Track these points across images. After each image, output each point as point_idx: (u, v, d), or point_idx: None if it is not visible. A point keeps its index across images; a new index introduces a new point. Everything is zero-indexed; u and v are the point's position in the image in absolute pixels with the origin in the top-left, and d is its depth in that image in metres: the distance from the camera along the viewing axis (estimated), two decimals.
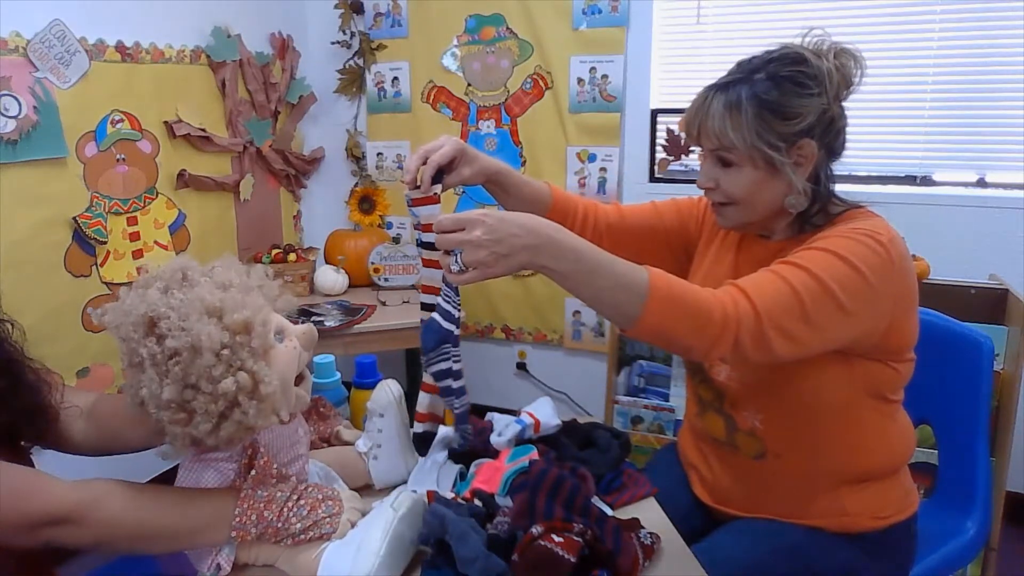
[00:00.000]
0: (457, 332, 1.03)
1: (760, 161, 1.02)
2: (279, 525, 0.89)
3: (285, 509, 0.90)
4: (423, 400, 1.11)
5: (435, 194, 1.05)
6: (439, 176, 1.07)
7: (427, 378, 1.10)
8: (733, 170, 1.05)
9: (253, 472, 0.91)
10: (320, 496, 0.93)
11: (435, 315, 1.02)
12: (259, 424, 0.88)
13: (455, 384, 1.04)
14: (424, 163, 1.06)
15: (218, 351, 0.84)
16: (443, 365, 1.03)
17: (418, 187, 1.05)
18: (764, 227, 1.13)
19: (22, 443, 1.00)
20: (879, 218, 1.05)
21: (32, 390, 0.98)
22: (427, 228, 1.03)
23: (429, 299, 1.07)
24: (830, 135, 1.04)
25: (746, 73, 1.03)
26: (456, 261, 0.89)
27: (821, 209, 1.07)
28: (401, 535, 0.87)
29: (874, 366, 1.05)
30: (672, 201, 1.32)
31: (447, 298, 1.01)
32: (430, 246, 1.02)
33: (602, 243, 1.28)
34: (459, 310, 1.03)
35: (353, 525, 0.92)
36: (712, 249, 1.24)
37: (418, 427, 1.12)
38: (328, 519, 0.91)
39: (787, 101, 1.00)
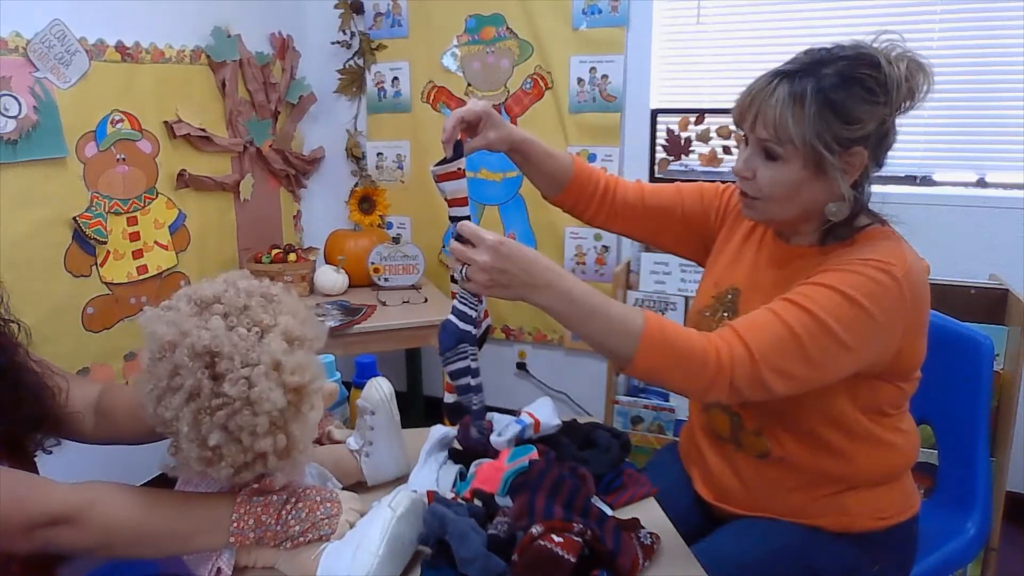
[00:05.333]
0: (475, 332, 1.04)
1: (810, 160, 0.97)
2: (277, 528, 0.89)
3: (283, 512, 0.90)
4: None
5: (460, 169, 1.06)
6: (460, 148, 1.08)
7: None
8: (777, 164, 1.00)
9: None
10: (318, 498, 0.93)
11: (451, 317, 1.03)
12: (276, 477, 0.89)
13: (473, 382, 1.05)
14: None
15: (273, 411, 0.83)
16: (460, 364, 1.04)
17: (442, 162, 1.07)
18: (790, 227, 1.10)
19: (28, 447, 1.00)
20: (899, 242, 1.02)
21: (35, 396, 0.98)
22: (454, 203, 1.07)
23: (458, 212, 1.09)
24: (880, 148, 1.01)
25: (815, 64, 0.97)
26: (460, 272, 0.94)
27: (847, 221, 1.03)
28: (400, 535, 0.87)
29: (880, 385, 1.05)
30: (697, 186, 1.29)
31: (463, 300, 1.03)
32: (464, 219, 1.05)
33: (616, 220, 1.29)
34: (474, 309, 1.04)
35: (351, 525, 0.92)
36: (732, 245, 1.22)
37: (448, 397, 1.11)
38: (327, 520, 0.91)
39: (852, 105, 0.95)
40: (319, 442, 1.15)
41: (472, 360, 1.05)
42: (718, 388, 0.93)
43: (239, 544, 0.89)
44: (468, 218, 1.06)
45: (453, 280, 1.03)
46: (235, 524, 0.88)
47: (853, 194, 1.01)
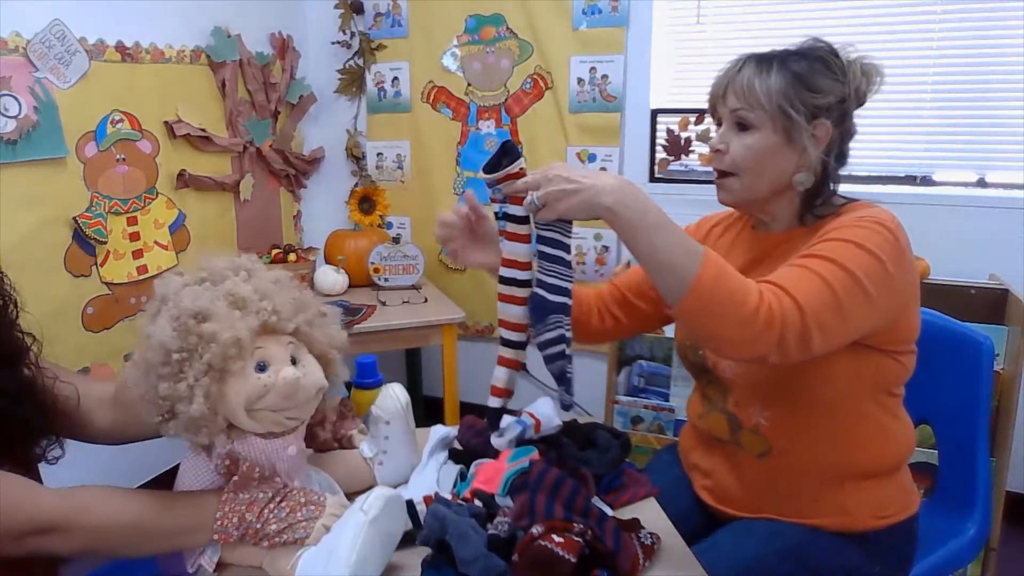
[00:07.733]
0: (569, 303, 1.01)
1: (780, 125, 1.04)
2: (258, 526, 0.88)
3: (266, 510, 0.89)
4: (503, 375, 1.09)
5: (522, 169, 1.02)
6: (513, 146, 1.04)
7: (509, 352, 1.09)
8: (749, 134, 1.06)
9: (235, 478, 0.90)
10: (303, 499, 0.92)
11: (537, 290, 1.01)
12: (188, 436, 0.88)
13: (568, 350, 1.03)
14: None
15: (168, 351, 0.85)
16: (553, 333, 1.02)
17: (493, 167, 1.02)
18: (764, 210, 1.12)
19: (31, 452, 1.00)
20: (879, 207, 1.06)
21: (52, 417, 0.98)
22: (518, 200, 1.01)
23: (510, 273, 1.05)
24: (843, 127, 1.07)
25: (780, 53, 1.07)
26: (533, 200, 0.94)
27: (824, 201, 1.09)
28: (372, 539, 0.84)
29: (881, 359, 1.06)
30: None
31: (552, 273, 1.00)
32: (523, 219, 1.01)
33: (620, 322, 1.28)
34: (568, 281, 1.01)
35: (328, 530, 0.90)
36: None
37: (494, 401, 1.09)
38: (305, 523, 0.89)
39: (814, 77, 1.04)
40: (339, 442, 1.12)
41: (566, 329, 1.02)
42: (765, 341, 0.89)
43: (223, 541, 0.89)
44: (528, 219, 1.02)
45: (542, 269, 1.00)
46: (219, 522, 0.88)
47: (823, 160, 1.06)
